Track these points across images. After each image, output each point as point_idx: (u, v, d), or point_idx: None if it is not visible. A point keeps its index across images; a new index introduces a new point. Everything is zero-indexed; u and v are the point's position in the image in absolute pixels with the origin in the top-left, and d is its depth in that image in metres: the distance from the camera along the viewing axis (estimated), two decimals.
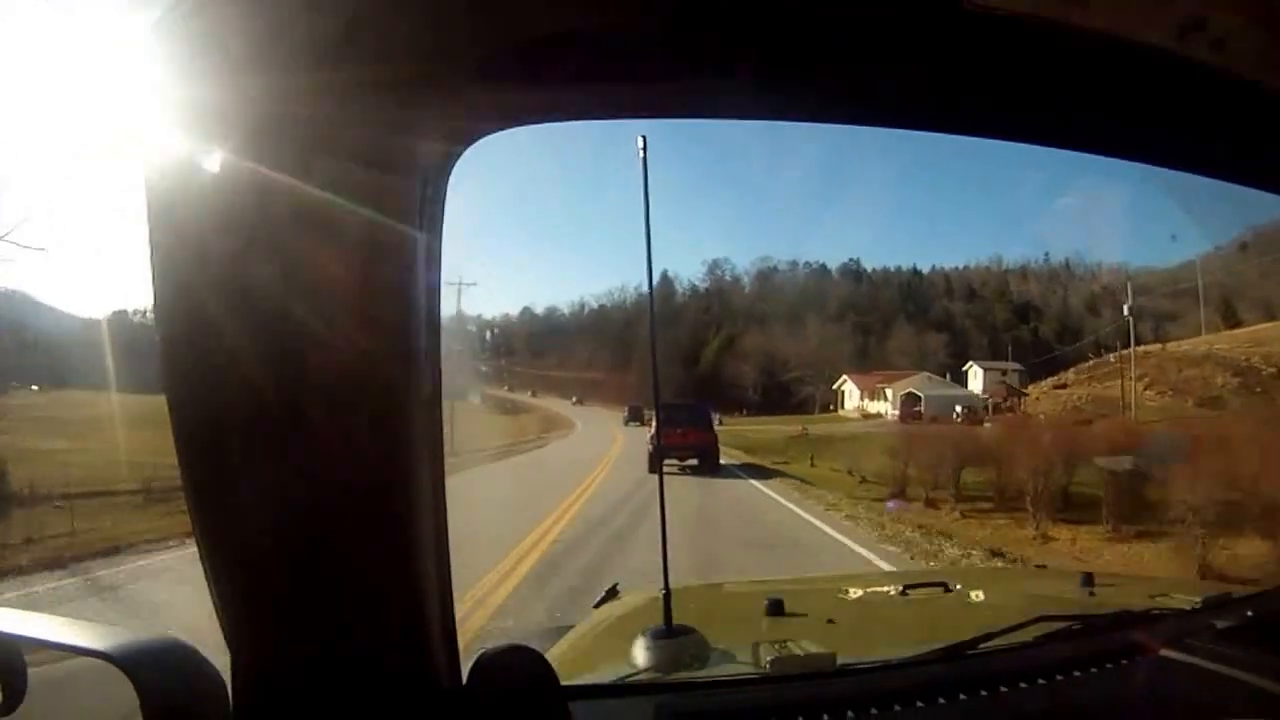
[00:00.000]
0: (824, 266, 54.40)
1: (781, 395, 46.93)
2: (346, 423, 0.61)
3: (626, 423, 32.91)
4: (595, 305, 55.81)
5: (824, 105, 0.73)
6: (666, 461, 13.76)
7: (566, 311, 57.77)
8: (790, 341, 52.24)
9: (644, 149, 1.01)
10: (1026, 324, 44.13)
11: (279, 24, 0.55)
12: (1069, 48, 0.62)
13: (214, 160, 0.56)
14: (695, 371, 49.18)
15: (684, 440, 13.93)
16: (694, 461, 13.94)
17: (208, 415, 0.60)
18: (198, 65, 0.55)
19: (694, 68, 0.64)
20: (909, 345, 46.93)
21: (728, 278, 55.42)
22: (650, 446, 13.97)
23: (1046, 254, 44.57)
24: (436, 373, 0.65)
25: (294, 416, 0.59)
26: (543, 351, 53.95)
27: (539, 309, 59.77)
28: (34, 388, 22.58)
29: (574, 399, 43.50)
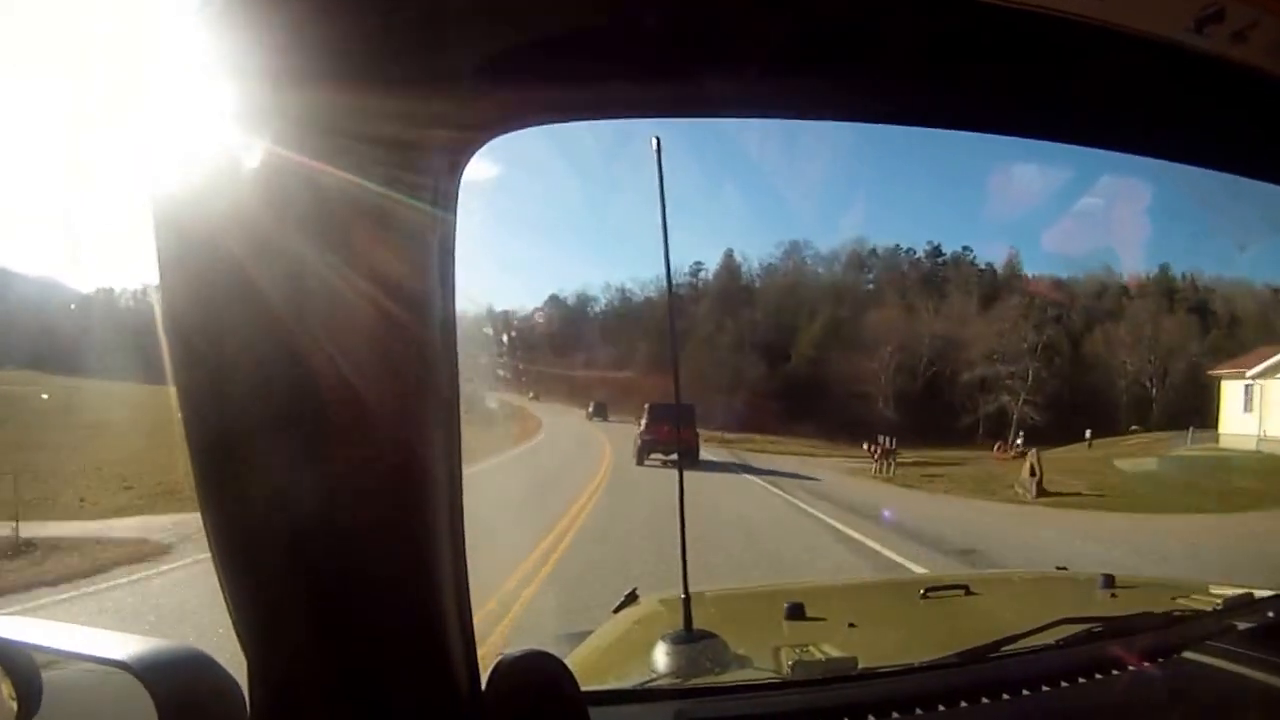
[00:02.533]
0: (938, 249, 38.05)
1: (935, 406, 30.55)
2: (362, 424, 0.60)
3: (590, 417, 31.83)
4: (641, 294, 42.99)
5: (836, 103, 0.73)
6: (652, 454, 15.69)
7: (602, 300, 45.27)
8: (964, 328, 32.95)
9: (658, 150, 1.02)
10: (1211, 329, 31.00)
11: (289, 21, 0.55)
12: (1084, 42, 0.62)
13: (223, 158, 0.56)
14: (785, 370, 35.14)
15: (670, 436, 14.94)
16: (676, 456, 15.02)
17: (220, 417, 0.59)
18: (208, 62, 0.55)
19: (710, 64, 0.63)
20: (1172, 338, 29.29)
21: (809, 260, 40.34)
22: (639, 442, 16.12)
23: (1161, 267, 31.86)
24: (453, 372, 0.65)
25: (308, 418, 0.59)
26: (566, 350, 43.36)
27: (569, 298, 46.82)
28: None
29: (530, 394, 34.50)
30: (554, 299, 46.60)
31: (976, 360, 32.37)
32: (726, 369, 34.00)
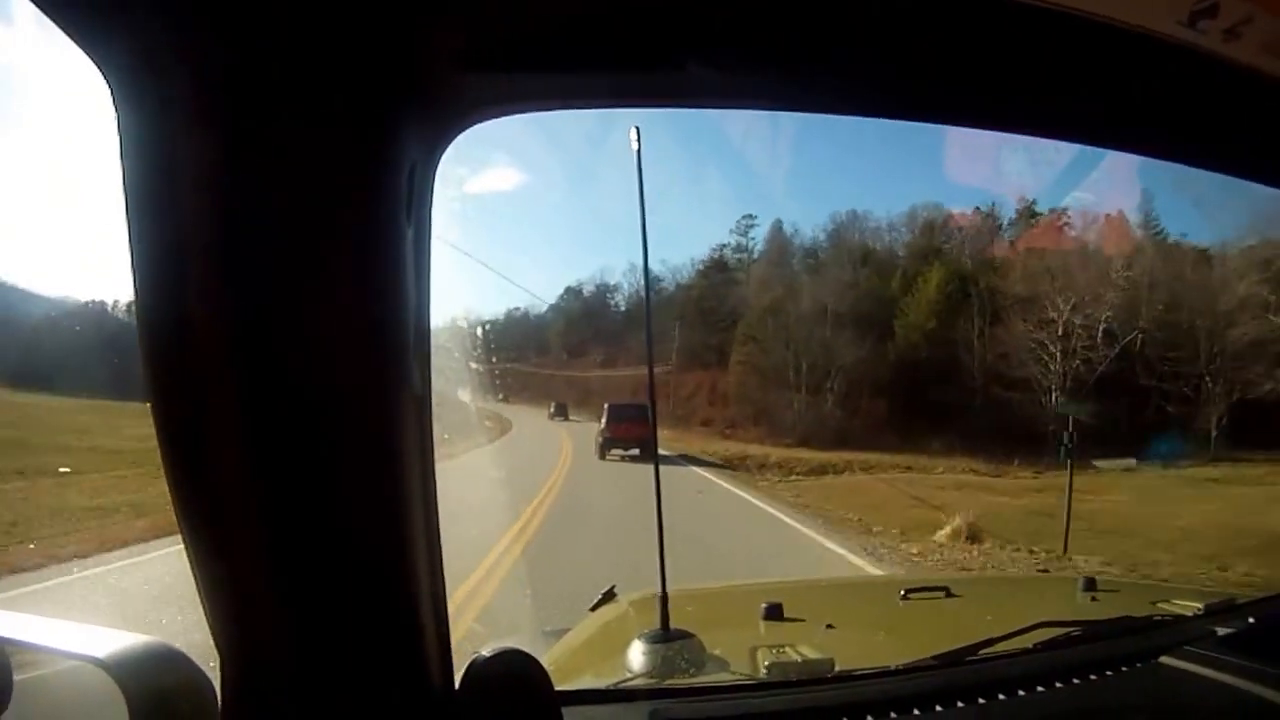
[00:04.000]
0: (1031, 207, 27.15)
1: (1133, 395, 18.82)
2: (335, 423, 0.59)
3: (551, 417, 31.23)
4: (672, 279, 35.22)
5: (818, 95, 0.72)
6: (612, 450, 16.54)
7: (626, 286, 39.05)
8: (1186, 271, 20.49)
9: (638, 140, 1.01)
10: None
11: (262, 15, 0.54)
12: (1073, 35, 0.61)
13: (194, 153, 0.55)
14: (889, 352, 23.82)
15: (627, 434, 16.28)
16: (635, 451, 16.18)
17: (191, 417, 0.59)
18: (179, 55, 0.54)
19: (689, 54, 0.62)
20: None
21: (871, 227, 31.29)
22: (600, 440, 17.10)
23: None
24: (426, 370, 0.64)
25: (280, 417, 0.58)
26: (583, 351, 37.99)
27: (587, 289, 41.83)
28: None
29: (500, 395, 30.31)
30: (570, 291, 42.77)
31: (1232, 315, 18.17)
32: (799, 351, 24.82)
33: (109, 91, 0.56)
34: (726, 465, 17.87)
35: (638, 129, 1.00)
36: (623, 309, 38.58)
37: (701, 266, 35.51)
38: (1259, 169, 0.81)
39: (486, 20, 0.59)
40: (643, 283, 36.30)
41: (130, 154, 0.56)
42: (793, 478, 16.86)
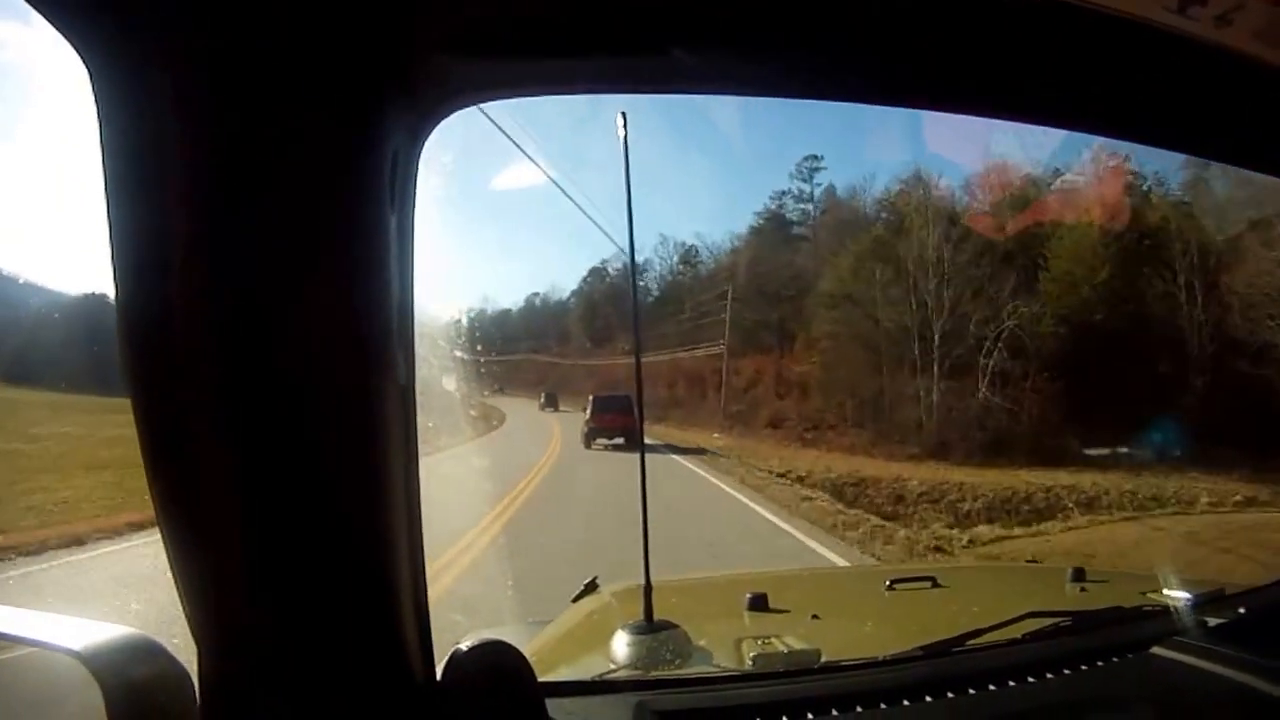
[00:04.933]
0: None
1: None
2: (317, 413, 0.59)
3: (542, 408, 30.52)
4: (710, 256, 30.26)
5: (803, 82, 0.72)
6: (597, 440, 17.03)
7: (657, 264, 32.52)
8: None
9: (624, 126, 1.00)
10: None
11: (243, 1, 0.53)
12: (1062, 23, 0.61)
13: (175, 141, 0.54)
14: (1038, 315, 15.32)
15: (611, 424, 16.92)
16: (620, 440, 16.64)
17: (171, 407, 0.58)
18: (160, 43, 0.53)
19: (674, 40, 0.62)
20: None
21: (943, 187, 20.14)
22: (586, 429, 17.77)
23: None
24: (410, 359, 0.64)
25: (261, 407, 0.57)
26: (609, 338, 32.57)
27: (612, 267, 35.57)
28: None
29: (496, 386, 29.16)
30: (595, 272, 38.10)
31: None
32: (931, 312, 16.57)
33: (89, 80, 0.55)
34: (838, 496, 10.99)
35: (624, 115, 1.00)
36: (654, 292, 31.83)
37: (757, 222, 28.25)
38: (1252, 155, 0.81)
39: (468, 5, 0.58)
40: (675, 257, 32.81)
41: (111, 143, 0.55)
42: (978, 531, 9.09)
